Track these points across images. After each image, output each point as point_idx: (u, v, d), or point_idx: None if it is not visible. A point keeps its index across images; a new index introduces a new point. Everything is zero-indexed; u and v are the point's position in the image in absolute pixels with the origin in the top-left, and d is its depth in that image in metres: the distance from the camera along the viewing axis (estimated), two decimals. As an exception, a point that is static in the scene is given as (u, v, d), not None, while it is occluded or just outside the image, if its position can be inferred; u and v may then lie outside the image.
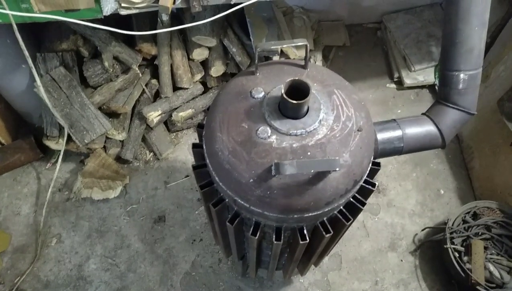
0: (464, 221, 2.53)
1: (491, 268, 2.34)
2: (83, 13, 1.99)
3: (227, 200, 1.49)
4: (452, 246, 2.43)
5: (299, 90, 1.28)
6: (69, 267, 2.65)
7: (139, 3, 2.01)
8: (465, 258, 2.39)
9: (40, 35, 2.71)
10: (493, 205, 2.55)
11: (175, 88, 2.94)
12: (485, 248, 2.41)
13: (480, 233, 2.47)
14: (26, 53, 2.09)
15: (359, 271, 2.68)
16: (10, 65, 2.56)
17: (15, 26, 1.92)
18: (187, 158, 3.12)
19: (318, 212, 1.38)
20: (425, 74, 3.46)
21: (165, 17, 2.39)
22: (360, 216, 2.85)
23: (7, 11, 1.84)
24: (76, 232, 2.77)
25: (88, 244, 2.73)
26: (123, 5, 2.00)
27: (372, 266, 2.70)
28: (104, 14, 2.01)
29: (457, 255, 2.41)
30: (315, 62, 3.33)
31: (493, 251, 2.42)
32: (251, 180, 1.30)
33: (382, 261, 2.72)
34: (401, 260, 2.73)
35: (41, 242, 2.71)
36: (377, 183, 1.52)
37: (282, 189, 1.29)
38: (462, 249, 2.43)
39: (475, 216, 2.55)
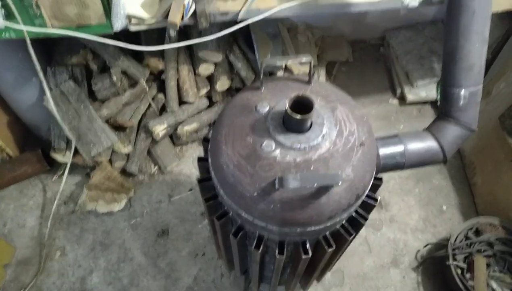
0: (467, 237, 2.53)
1: (494, 285, 2.33)
2: (94, 29, 2.04)
3: (231, 213, 1.51)
4: (455, 262, 2.42)
5: (303, 105, 1.30)
6: (72, 280, 2.66)
7: (149, 20, 2.07)
8: (468, 275, 2.38)
9: (50, 50, 2.77)
10: (495, 221, 2.55)
11: (181, 102, 2.98)
12: (488, 265, 2.41)
13: (482, 250, 2.47)
14: (38, 67, 2.13)
15: (361, 287, 2.67)
16: (21, 79, 2.61)
17: (29, 42, 1.97)
18: (191, 171, 3.14)
19: (321, 226, 1.40)
20: (428, 90, 3.50)
21: (173, 33, 2.44)
22: (363, 231, 2.86)
23: (22, 27, 1.89)
24: (80, 245, 2.79)
25: (91, 257, 2.74)
26: (133, 21, 2.06)
27: (375, 282, 2.69)
28: (114, 30, 2.06)
29: (459, 272, 2.40)
30: (319, 78, 3.37)
31: (495, 268, 2.41)
32: (255, 193, 1.32)
33: (384, 277, 2.71)
34: (404, 277, 2.72)
35: (45, 254, 2.73)
36: (379, 198, 1.54)
37: (285, 203, 1.31)
38: (465, 265, 2.43)
39: (477, 232, 2.55)
